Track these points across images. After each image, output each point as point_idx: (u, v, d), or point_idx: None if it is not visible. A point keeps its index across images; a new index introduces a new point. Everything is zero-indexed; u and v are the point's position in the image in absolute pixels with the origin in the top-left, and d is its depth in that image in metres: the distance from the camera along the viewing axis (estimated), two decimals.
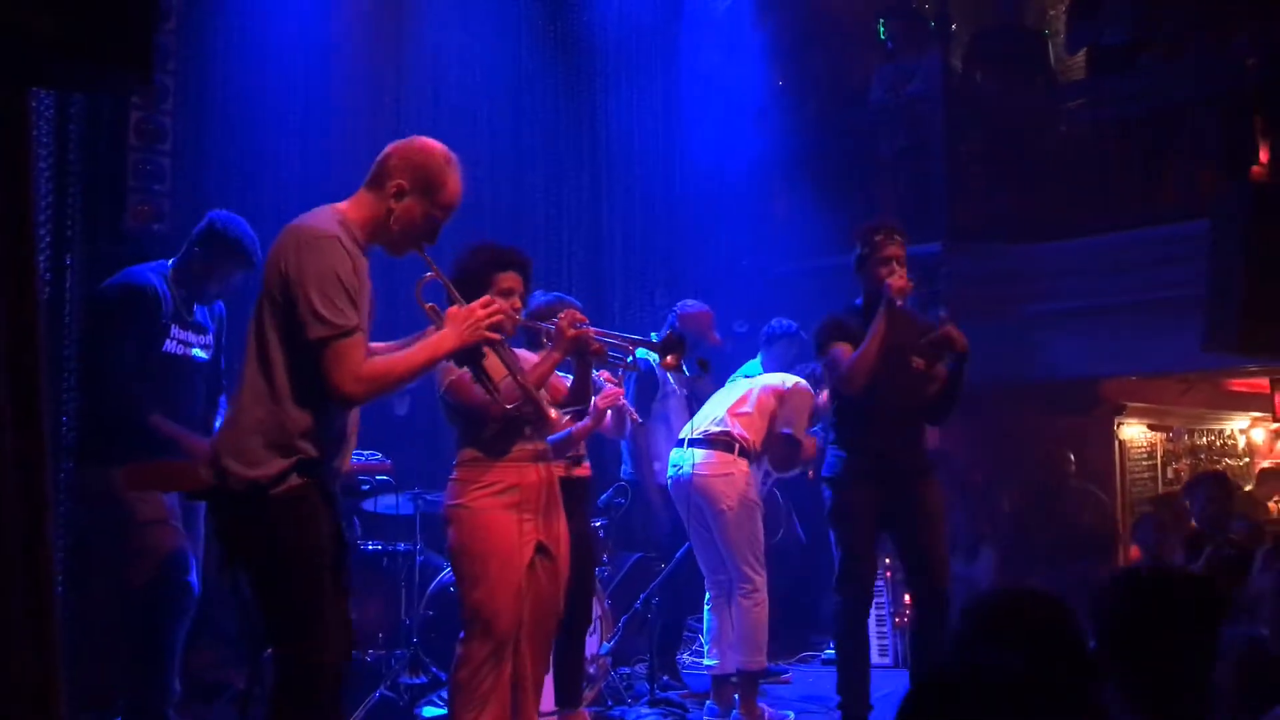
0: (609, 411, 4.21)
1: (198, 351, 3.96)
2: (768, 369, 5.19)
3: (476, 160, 6.03)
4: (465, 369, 3.28)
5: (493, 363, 3.41)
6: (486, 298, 2.89)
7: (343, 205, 2.69)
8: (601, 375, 4.08)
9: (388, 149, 2.73)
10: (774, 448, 4.77)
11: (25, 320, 1.96)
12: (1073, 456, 6.60)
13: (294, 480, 2.58)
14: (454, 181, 2.71)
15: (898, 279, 4.04)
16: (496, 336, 2.82)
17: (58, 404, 3.88)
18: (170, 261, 3.94)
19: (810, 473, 5.56)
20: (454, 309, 2.80)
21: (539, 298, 4.02)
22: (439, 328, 2.81)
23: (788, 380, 4.86)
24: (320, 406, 2.62)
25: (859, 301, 4.27)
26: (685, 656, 5.61)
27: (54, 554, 2.24)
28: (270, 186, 4.96)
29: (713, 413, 4.78)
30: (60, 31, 1.66)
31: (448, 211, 2.72)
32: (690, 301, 5.28)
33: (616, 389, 4.17)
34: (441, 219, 2.72)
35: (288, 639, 2.62)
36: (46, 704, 2.06)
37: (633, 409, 4.57)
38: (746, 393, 4.80)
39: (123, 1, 1.74)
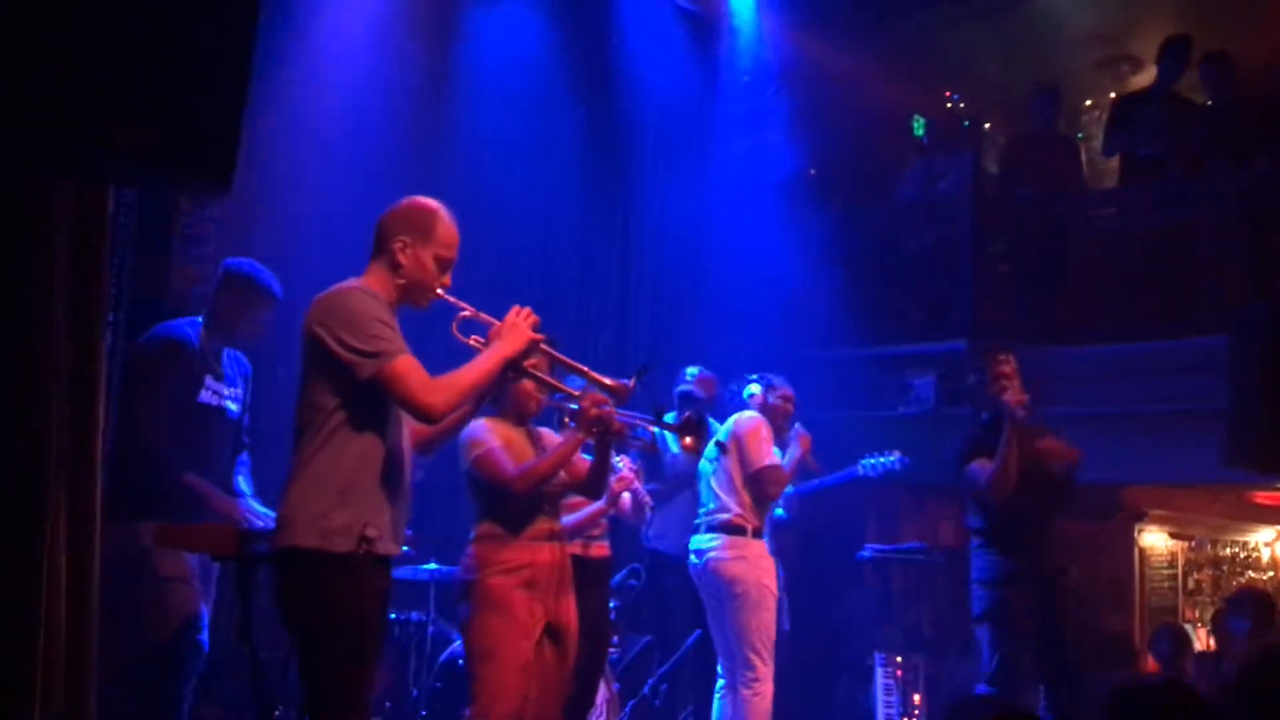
0: (626, 495, 4.25)
1: (230, 405, 4.01)
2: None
3: (509, 242, 6.17)
4: (494, 443, 3.40)
5: (520, 447, 3.51)
6: (516, 306, 2.99)
7: (359, 278, 2.84)
8: (621, 460, 4.14)
9: (379, 220, 2.90)
10: (753, 489, 4.69)
11: (90, 378, 2.05)
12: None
13: (358, 544, 2.63)
14: (444, 219, 2.89)
15: (1013, 394, 4.47)
16: (540, 337, 2.96)
17: None
18: (200, 317, 4.01)
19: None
20: (496, 325, 2.93)
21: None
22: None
23: (731, 425, 4.80)
24: (377, 461, 2.71)
25: (985, 418, 4.68)
26: None
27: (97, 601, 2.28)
28: (313, 255, 5.07)
29: (713, 497, 4.77)
30: (149, 144, 1.76)
31: (450, 248, 2.89)
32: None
33: (629, 474, 4.21)
34: (448, 256, 2.88)
35: (329, 709, 2.63)
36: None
37: (646, 494, 4.58)
38: (724, 468, 4.74)
39: (213, 118, 1.85)
